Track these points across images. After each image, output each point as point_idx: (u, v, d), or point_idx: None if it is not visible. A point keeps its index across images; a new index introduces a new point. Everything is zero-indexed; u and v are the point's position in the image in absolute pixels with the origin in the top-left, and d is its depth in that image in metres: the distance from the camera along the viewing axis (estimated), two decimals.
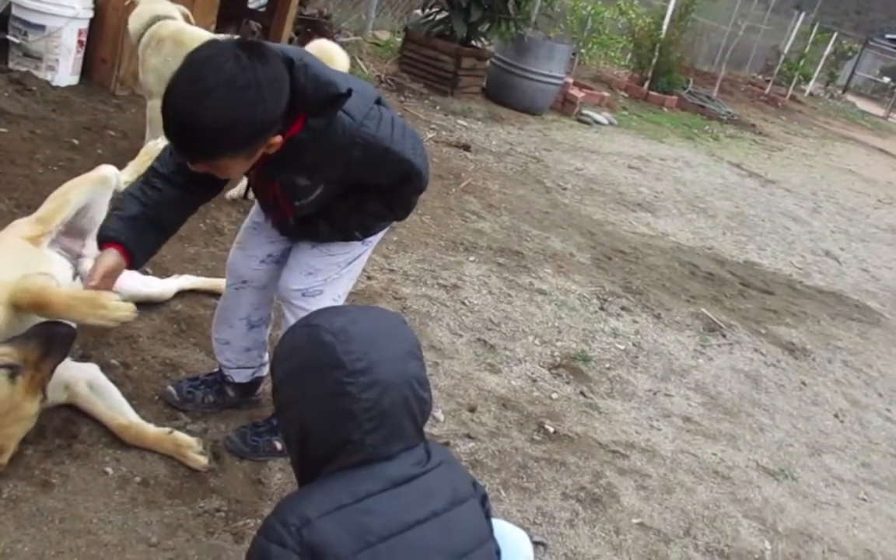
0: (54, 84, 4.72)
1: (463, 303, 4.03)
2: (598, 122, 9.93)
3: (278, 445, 2.52)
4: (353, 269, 2.43)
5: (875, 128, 22.89)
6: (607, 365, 3.91)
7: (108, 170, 2.71)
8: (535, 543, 2.49)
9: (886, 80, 33.71)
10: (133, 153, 4.21)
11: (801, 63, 20.88)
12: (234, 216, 4.01)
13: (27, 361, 2.06)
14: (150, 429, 2.38)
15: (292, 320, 2.33)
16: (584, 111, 9.99)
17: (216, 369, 2.69)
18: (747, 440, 3.68)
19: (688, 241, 6.45)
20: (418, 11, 9.24)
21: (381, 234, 2.44)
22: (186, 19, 4.02)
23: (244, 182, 4.21)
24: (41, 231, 2.48)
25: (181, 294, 3.17)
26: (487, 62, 9.07)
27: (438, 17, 8.51)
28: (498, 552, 1.69)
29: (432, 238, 4.71)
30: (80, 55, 4.84)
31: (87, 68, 4.93)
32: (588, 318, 4.36)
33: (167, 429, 2.40)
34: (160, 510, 2.20)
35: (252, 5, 6.74)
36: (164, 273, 3.25)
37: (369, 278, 3.89)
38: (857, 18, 41.07)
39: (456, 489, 1.62)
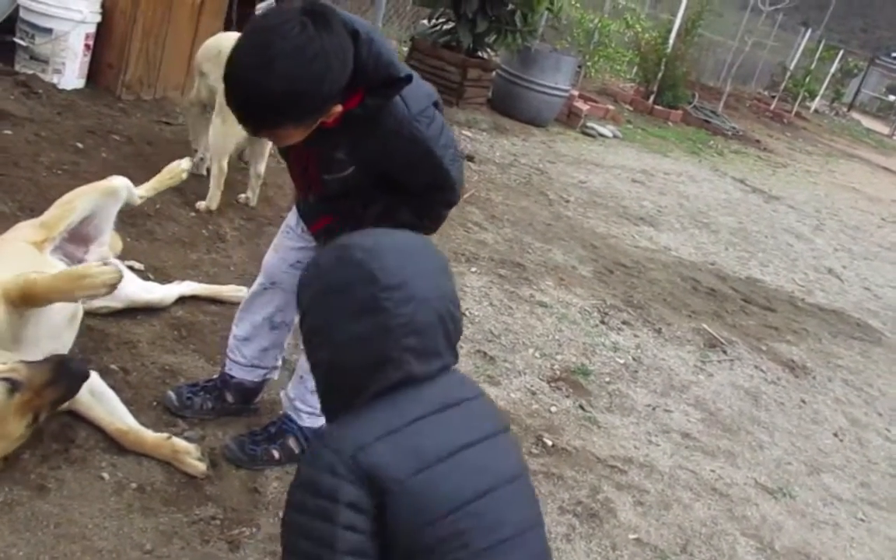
0: (60, 87, 4.74)
1: (463, 314, 4.02)
2: (602, 135, 9.94)
3: (276, 454, 2.52)
4: None
5: (880, 146, 22.88)
6: (607, 379, 3.90)
7: (118, 181, 2.70)
8: None
9: (892, 98, 33.71)
10: (137, 158, 4.25)
11: (807, 80, 20.88)
12: (236, 222, 4.02)
13: (31, 383, 2.03)
14: (149, 434, 2.38)
15: None
16: (589, 124, 10.00)
17: (215, 376, 2.69)
18: (746, 457, 3.67)
19: (690, 257, 6.44)
20: (425, 21, 9.25)
21: None
22: None
23: (255, 192, 4.23)
24: (45, 236, 2.48)
25: (182, 300, 3.17)
26: (493, 73, 9.08)
27: (445, 27, 8.52)
28: None
29: None
30: (87, 59, 4.86)
31: (94, 72, 4.95)
32: (589, 331, 4.35)
33: (165, 435, 2.40)
34: (155, 517, 2.20)
35: (259, 12, 6.77)
36: (165, 279, 3.25)
37: None
38: (863, 36, 41.09)
39: (498, 417, 1.63)
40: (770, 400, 4.34)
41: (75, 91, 4.82)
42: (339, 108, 1.91)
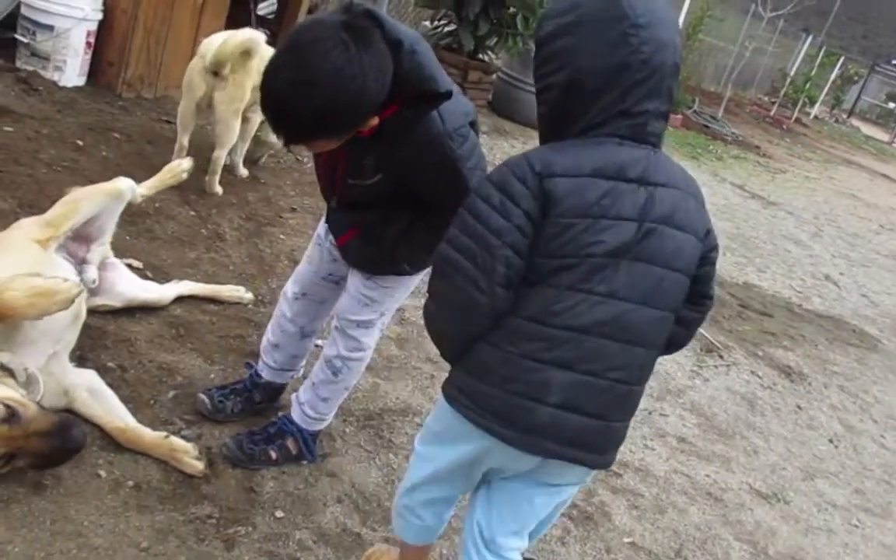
0: (61, 85, 4.74)
1: None
2: None
3: (273, 455, 2.53)
4: (402, 297, 2.48)
5: (879, 153, 22.92)
6: None
7: (123, 183, 2.72)
8: None
9: (892, 105, 33.78)
10: (137, 156, 4.25)
11: (807, 86, 20.95)
12: (235, 222, 4.03)
13: (28, 424, 2.02)
14: (147, 433, 2.39)
15: (340, 344, 2.42)
16: None
17: (245, 378, 2.76)
18: (741, 462, 3.68)
19: None
20: (426, 23, 9.26)
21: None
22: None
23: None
24: (50, 234, 2.48)
25: (180, 299, 3.17)
26: (494, 76, 9.10)
27: (446, 29, 8.54)
28: None
29: None
30: (88, 57, 4.87)
31: (94, 70, 4.95)
32: None
33: (163, 433, 2.40)
34: (152, 515, 2.21)
35: (261, 12, 6.78)
36: (163, 278, 3.26)
37: None
38: (864, 43, 41.17)
39: (698, 224, 1.74)
40: (766, 405, 4.35)
41: (76, 88, 4.82)
42: (375, 121, 1.92)
